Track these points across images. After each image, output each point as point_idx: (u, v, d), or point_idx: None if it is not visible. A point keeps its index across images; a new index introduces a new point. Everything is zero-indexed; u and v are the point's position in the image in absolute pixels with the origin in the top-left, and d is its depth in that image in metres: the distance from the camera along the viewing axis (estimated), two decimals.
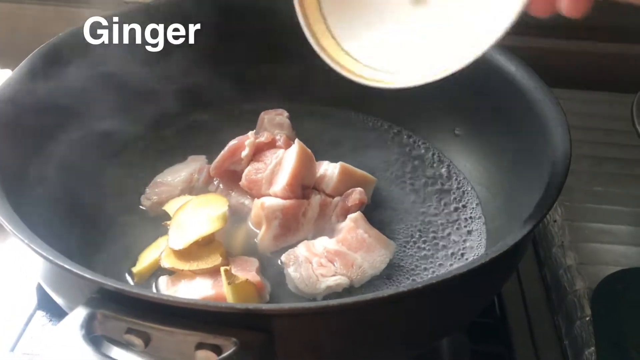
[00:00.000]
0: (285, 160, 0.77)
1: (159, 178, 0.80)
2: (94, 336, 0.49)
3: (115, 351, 0.51)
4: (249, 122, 0.86)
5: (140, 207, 0.78)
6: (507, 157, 0.78)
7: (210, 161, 0.82)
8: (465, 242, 0.76)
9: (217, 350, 0.48)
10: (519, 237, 0.54)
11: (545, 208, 0.57)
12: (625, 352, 0.69)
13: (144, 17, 0.83)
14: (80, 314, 0.49)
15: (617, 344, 0.70)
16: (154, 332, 0.49)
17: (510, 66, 0.76)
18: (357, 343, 0.54)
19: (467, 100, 0.83)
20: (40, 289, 0.75)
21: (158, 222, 0.75)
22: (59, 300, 0.58)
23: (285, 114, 0.87)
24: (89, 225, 0.74)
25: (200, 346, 0.49)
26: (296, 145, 0.76)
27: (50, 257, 0.51)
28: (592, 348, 0.70)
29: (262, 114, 0.87)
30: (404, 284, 0.69)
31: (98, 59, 0.79)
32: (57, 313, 0.74)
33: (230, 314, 0.48)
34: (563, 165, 0.62)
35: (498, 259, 0.52)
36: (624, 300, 0.74)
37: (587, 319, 0.72)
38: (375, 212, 0.78)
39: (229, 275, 0.64)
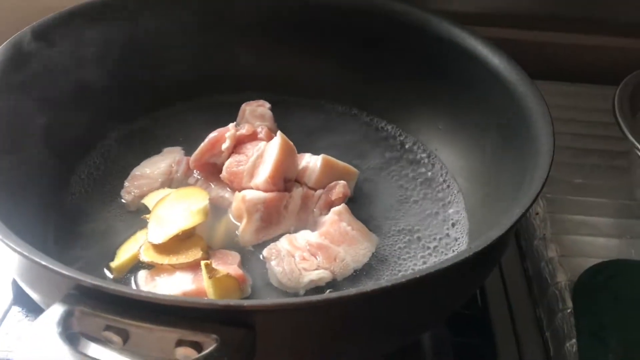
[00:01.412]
0: (267, 152, 0.76)
1: (137, 171, 0.79)
2: (72, 333, 0.48)
3: (93, 348, 0.50)
4: (223, 113, 0.85)
5: (118, 200, 0.76)
6: (490, 150, 0.78)
7: (186, 153, 0.81)
8: (449, 235, 0.75)
9: (198, 347, 0.47)
10: (502, 230, 0.54)
11: (528, 202, 0.57)
12: (605, 343, 0.70)
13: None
14: (57, 310, 0.48)
15: (598, 335, 0.70)
16: (133, 329, 0.48)
17: (493, 59, 0.76)
18: (340, 338, 0.54)
19: (450, 93, 0.82)
20: (15, 284, 0.74)
21: (136, 216, 0.74)
22: (35, 296, 0.57)
23: (267, 105, 0.86)
24: (65, 219, 0.73)
25: (180, 343, 0.48)
26: (278, 137, 0.75)
27: (26, 253, 0.49)
28: (574, 340, 0.70)
29: (244, 105, 0.86)
30: (387, 279, 0.68)
31: (72, 48, 0.78)
32: (33, 308, 0.73)
33: (210, 310, 0.47)
34: (546, 159, 0.61)
35: (482, 252, 0.52)
36: (605, 292, 0.74)
37: (569, 311, 0.73)
38: (357, 205, 0.77)
39: (210, 269, 0.63)
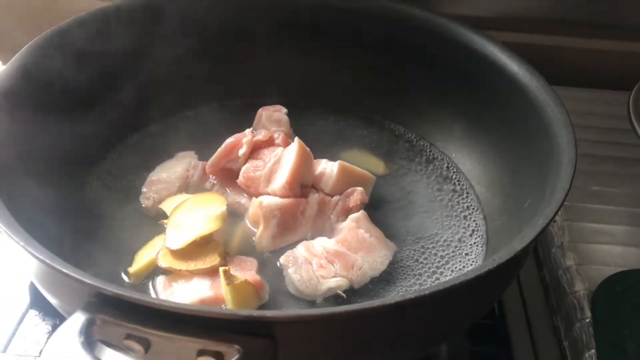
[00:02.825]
0: (285, 158, 0.76)
1: (153, 176, 0.79)
2: (92, 341, 0.48)
3: (114, 356, 0.49)
4: (238, 118, 0.85)
5: (135, 205, 0.76)
6: (507, 156, 0.77)
7: (199, 157, 0.81)
8: (466, 243, 0.75)
9: (220, 356, 0.47)
10: (526, 242, 0.53)
11: (551, 213, 0.56)
12: (625, 354, 0.69)
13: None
14: (78, 319, 0.47)
15: (618, 346, 0.69)
16: (154, 338, 0.48)
17: (512, 65, 0.76)
18: (361, 349, 0.54)
19: (468, 99, 0.82)
20: (32, 287, 0.74)
21: (153, 221, 0.74)
22: (54, 302, 0.57)
23: (284, 110, 0.85)
24: (82, 224, 0.73)
25: (201, 353, 0.47)
26: (296, 144, 0.75)
27: (48, 261, 0.49)
28: (592, 350, 0.69)
29: (260, 110, 0.85)
30: (409, 290, 0.68)
31: (89, 54, 0.78)
32: (50, 312, 0.73)
33: (233, 320, 0.47)
34: (569, 170, 0.61)
35: (505, 264, 0.51)
36: (624, 302, 0.73)
37: (587, 320, 0.72)
38: (373, 211, 0.76)
39: (228, 276, 0.63)
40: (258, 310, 0.55)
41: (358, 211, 0.74)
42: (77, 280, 0.48)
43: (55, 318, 0.73)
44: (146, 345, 0.48)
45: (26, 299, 0.74)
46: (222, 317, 0.47)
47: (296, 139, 0.76)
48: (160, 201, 0.75)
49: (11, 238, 0.51)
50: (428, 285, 0.70)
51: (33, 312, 0.73)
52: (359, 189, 0.76)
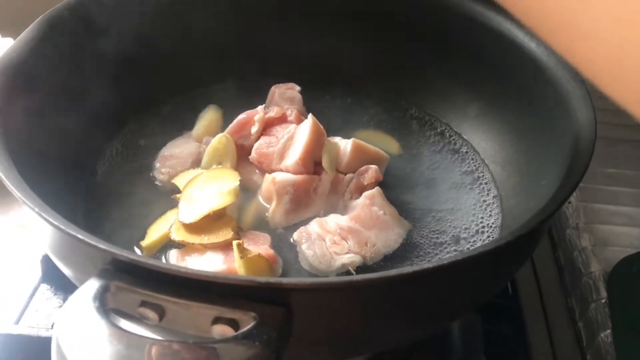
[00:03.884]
0: (298, 134, 0.75)
1: (165, 152, 0.79)
2: (107, 309, 0.48)
3: (128, 325, 0.49)
4: (246, 97, 0.84)
5: (147, 179, 0.76)
6: (524, 135, 0.77)
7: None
8: (481, 223, 0.74)
9: (235, 324, 0.47)
10: (542, 217, 0.53)
11: (568, 191, 0.55)
12: None
13: None
14: (93, 285, 0.47)
15: (634, 326, 0.69)
16: (169, 306, 0.47)
17: (530, 42, 0.75)
18: (375, 320, 0.53)
19: (484, 77, 0.81)
20: (44, 261, 0.74)
21: (166, 195, 0.73)
22: (68, 272, 0.57)
23: (297, 88, 0.85)
24: (94, 199, 0.73)
25: (217, 320, 0.47)
26: (310, 120, 0.74)
27: (63, 227, 0.49)
28: (608, 331, 0.69)
29: (273, 87, 0.85)
30: (420, 261, 0.67)
31: (101, 28, 0.77)
32: (61, 286, 0.73)
33: (249, 287, 0.46)
34: (587, 149, 0.60)
35: (524, 237, 0.51)
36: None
37: (603, 301, 0.71)
38: (387, 190, 0.75)
39: (242, 249, 0.62)
40: (275, 278, 0.55)
41: (372, 189, 0.73)
42: (92, 246, 0.48)
43: (67, 292, 0.73)
44: (161, 312, 0.48)
45: (38, 273, 0.74)
46: (239, 284, 0.46)
47: (310, 115, 0.75)
48: (175, 176, 0.75)
49: (27, 205, 0.51)
50: None
51: (45, 287, 0.73)
52: (373, 166, 0.75)
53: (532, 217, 0.52)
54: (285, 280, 0.46)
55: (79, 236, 0.48)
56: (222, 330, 0.47)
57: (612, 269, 0.74)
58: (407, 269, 0.47)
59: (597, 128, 0.63)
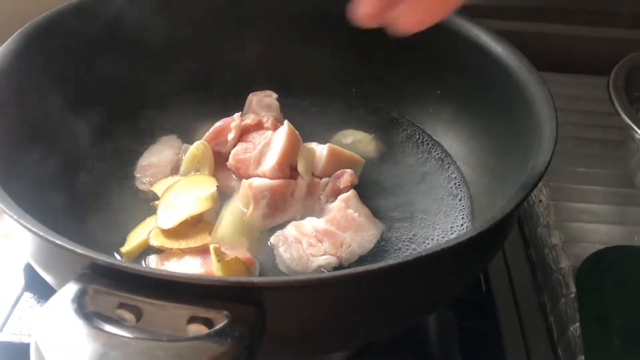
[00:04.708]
0: (274, 140, 0.77)
1: (143, 161, 0.80)
2: (85, 312, 0.49)
3: (106, 327, 0.51)
4: (227, 105, 0.86)
5: (126, 187, 0.77)
6: (493, 137, 0.79)
7: (182, 141, 0.82)
8: (454, 222, 0.76)
9: (209, 323, 0.48)
10: (506, 211, 0.55)
11: (532, 184, 0.58)
12: (609, 327, 0.71)
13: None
14: (71, 289, 0.49)
15: (601, 319, 0.71)
16: (146, 307, 0.49)
17: (497, 47, 0.77)
18: (347, 316, 0.55)
19: (454, 81, 0.83)
20: (27, 270, 0.75)
21: (145, 202, 0.75)
22: (48, 278, 0.58)
23: (274, 95, 0.87)
24: (74, 207, 0.74)
25: (192, 320, 0.48)
26: (286, 126, 0.76)
27: (41, 233, 0.50)
28: (577, 324, 0.71)
29: (251, 95, 0.87)
30: (394, 257, 0.69)
31: (79, 41, 0.79)
32: (45, 294, 0.74)
33: (222, 287, 0.48)
34: (549, 143, 0.62)
35: (486, 233, 0.53)
36: (608, 277, 0.75)
37: (572, 295, 0.74)
38: (362, 193, 0.77)
39: (219, 253, 0.64)
40: (246, 277, 0.57)
41: (347, 192, 0.75)
42: (70, 251, 0.50)
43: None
44: (138, 314, 0.49)
45: (21, 281, 0.75)
46: (212, 284, 0.48)
47: (285, 121, 0.77)
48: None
49: (6, 213, 0.53)
50: None
51: (28, 295, 0.75)
52: (349, 170, 0.77)
53: (491, 217, 0.54)
54: (256, 279, 0.48)
55: (58, 242, 0.50)
56: (197, 329, 0.49)
57: (581, 264, 0.76)
58: (374, 265, 0.49)
59: (557, 124, 0.65)
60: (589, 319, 0.71)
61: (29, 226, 0.51)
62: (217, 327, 0.47)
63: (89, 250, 0.50)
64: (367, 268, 0.49)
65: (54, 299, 0.48)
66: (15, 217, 0.52)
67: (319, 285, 0.49)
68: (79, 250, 0.49)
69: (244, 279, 0.48)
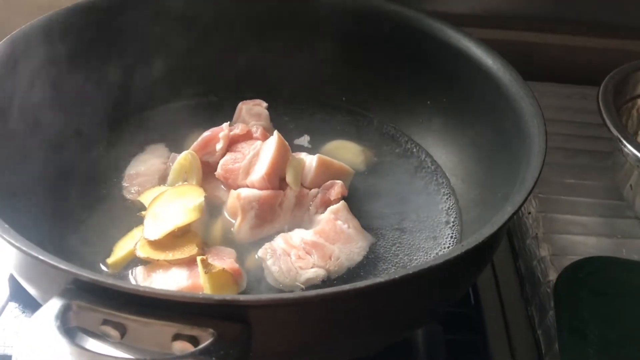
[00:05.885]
0: (264, 151, 0.77)
1: (131, 170, 0.80)
2: (69, 328, 0.49)
3: (90, 343, 0.50)
4: (212, 112, 0.87)
5: (113, 197, 0.77)
6: (482, 149, 0.79)
7: (171, 150, 0.82)
8: (442, 234, 0.76)
9: (194, 341, 0.48)
10: (494, 228, 0.55)
11: (520, 200, 0.58)
12: (585, 338, 0.70)
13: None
14: (55, 305, 0.48)
15: (578, 330, 0.71)
16: (130, 323, 0.49)
17: (487, 59, 0.77)
18: (334, 333, 0.55)
19: (444, 93, 0.83)
20: (12, 280, 0.74)
21: (132, 213, 0.74)
22: (32, 291, 0.58)
23: (264, 104, 0.86)
24: (60, 217, 0.73)
25: (177, 337, 0.48)
26: (275, 136, 0.76)
27: (24, 248, 0.50)
28: None
29: (240, 103, 0.86)
30: (381, 275, 0.69)
31: (67, 48, 0.78)
32: (30, 304, 0.73)
33: (207, 305, 0.47)
34: (539, 158, 0.62)
35: (474, 250, 0.53)
36: (585, 288, 0.75)
37: None
38: (351, 204, 0.77)
39: (206, 264, 0.63)
40: (232, 295, 0.56)
41: (337, 204, 0.75)
42: (53, 267, 0.49)
43: (35, 310, 0.71)
44: (122, 330, 0.49)
45: (6, 291, 0.74)
46: (196, 302, 0.48)
47: (275, 132, 0.77)
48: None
49: None
50: None
51: (13, 305, 0.74)
52: (339, 182, 0.77)
53: (482, 231, 0.54)
54: (242, 297, 0.48)
55: (41, 257, 0.49)
56: (182, 347, 0.48)
57: (559, 274, 0.76)
58: (361, 283, 0.49)
59: (547, 140, 0.65)
60: (566, 330, 0.71)
61: (12, 241, 0.51)
62: (202, 345, 0.47)
63: (73, 266, 0.49)
64: (355, 286, 0.49)
65: (37, 315, 0.48)
66: None
67: (306, 303, 0.49)
68: (62, 266, 0.49)
69: (229, 296, 0.47)
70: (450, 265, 0.51)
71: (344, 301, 0.50)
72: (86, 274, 0.48)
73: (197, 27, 0.88)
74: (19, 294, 0.74)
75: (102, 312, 0.49)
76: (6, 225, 0.52)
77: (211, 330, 0.47)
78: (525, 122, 0.69)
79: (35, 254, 0.49)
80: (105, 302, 0.48)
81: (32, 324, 0.47)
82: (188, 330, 0.48)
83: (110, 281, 0.48)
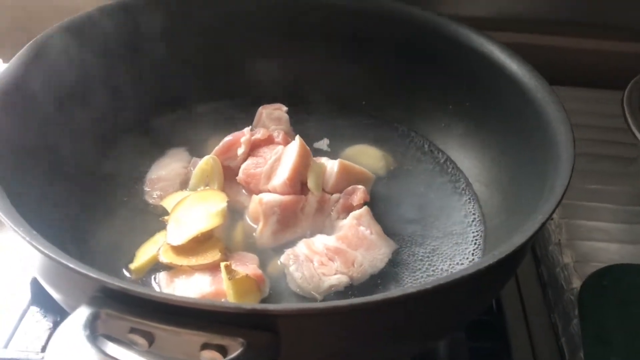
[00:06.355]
0: (285, 155, 0.76)
1: (152, 175, 0.79)
2: (96, 335, 0.48)
3: (118, 350, 0.50)
4: (233, 116, 0.87)
5: (135, 202, 0.76)
6: (506, 154, 0.78)
7: (191, 153, 0.82)
8: (464, 239, 0.75)
9: (223, 350, 0.48)
10: (525, 237, 0.54)
11: (550, 208, 0.57)
12: (610, 346, 0.70)
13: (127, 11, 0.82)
14: (83, 313, 0.48)
15: (602, 338, 0.70)
16: (158, 332, 0.48)
17: (512, 64, 0.76)
18: (363, 342, 0.54)
19: (468, 98, 0.82)
20: (34, 284, 0.74)
21: (154, 217, 0.74)
22: (58, 297, 0.57)
23: (284, 108, 0.86)
24: (81, 222, 0.73)
25: (205, 346, 0.48)
26: (297, 141, 0.76)
27: (53, 255, 0.50)
28: None
29: (261, 108, 0.86)
30: (411, 285, 0.69)
31: (90, 52, 0.78)
32: (51, 309, 0.73)
33: (237, 314, 0.47)
34: (567, 166, 0.62)
35: (505, 259, 0.52)
36: (610, 295, 0.74)
37: None
38: (372, 209, 0.77)
39: (229, 271, 0.63)
40: (262, 304, 0.56)
41: (360, 209, 0.74)
42: (82, 274, 0.49)
43: (57, 314, 0.73)
44: (150, 339, 0.49)
45: (27, 295, 0.74)
46: (227, 311, 0.47)
47: (297, 137, 0.77)
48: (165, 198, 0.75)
49: (18, 234, 0.52)
50: (427, 282, 0.70)
51: (34, 309, 0.74)
52: (361, 187, 0.76)
53: (512, 240, 0.53)
54: (272, 306, 0.47)
55: (70, 265, 0.49)
56: (210, 356, 0.48)
57: (583, 282, 0.75)
58: (392, 292, 0.48)
59: (575, 148, 0.64)
60: (591, 338, 0.70)
61: (41, 248, 0.50)
62: (232, 355, 0.46)
63: (101, 274, 0.49)
64: (387, 295, 0.48)
65: (65, 323, 0.47)
66: (27, 238, 0.51)
67: (335, 313, 0.48)
68: (91, 274, 0.48)
69: (259, 306, 0.47)
70: (482, 274, 0.50)
71: (375, 311, 0.50)
72: (116, 282, 0.48)
73: (217, 30, 0.88)
74: (40, 298, 0.74)
75: (130, 321, 0.48)
76: (34, 232, 0.52)
77: (241, 340, 0.47)
78: (552, 129, 0.68)
79: (65, 262, 0.49)
80: (133, 311, 0.48)
81: (62, 334, 0.46)
82: (217, 340, 0.47)
83: (140, 289, 0.48)
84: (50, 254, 0.50)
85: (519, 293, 0.80)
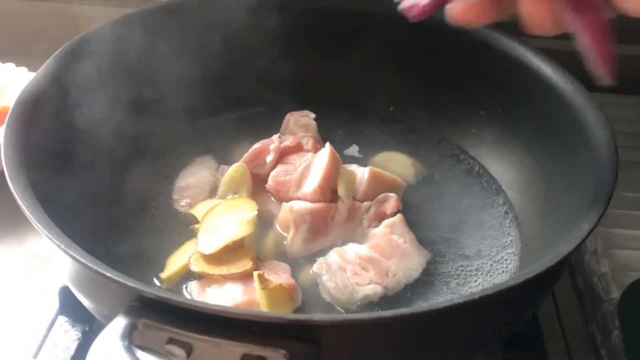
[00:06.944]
0: (316, 162, 0.75)
1: (180, 183, 0.78)
2: (133, 346, 0.47)
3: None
4: (262, 123, 0.86)
5: (164, 210, 0.75)
6: (541, 161, 0.76)
7: (217, 161, 0.81)
8: (499, 248, 0.74)
9: None
10: (572, 246, 0.52)
11: (596, 217, 0.55)
12: None
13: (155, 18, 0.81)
14: (120, 324, 0.47)
15: None
16: (197, 343, 0.47)
17: (546, 69, 0.75)
18: (401, 354, 0.53)
19: (500, 103, 0.81)
20: (62, 293, 0.73)
21: (183, 226, 0.73)
22: (91, 306, 0.56)
23: (312, 115, 0.85)
24: (110, 230, 0.72)
25: (245, 358, 0.46)
26: (327, 148, 0.75)
27: (89, 264, 0.49)
28: None
29: (288, 115, 0.85)
30: (441, 293, 0.67)
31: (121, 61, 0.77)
32: (79, 318, 0.72)
33: (279, 324, 0.46)
34: (611, 175, 0.60)
35: (553, 267, 0.50)
36: None
37: None
38: (404, 218, 0.75)
39: (263, 280, 0.62)
40: (305, 314, 0.54)
41: (392, 217, 0.73)
42: (118, 283, 0.48)
43: (85, 324, 0.72)
44: (189, 349, 0.47)
45: (55, 305, 0.73)
46: (269, 321, 0.46)
47: (327, 144, 0.76)
48: (195, 206, 0.74)
49: (52, 242, 0.51)
50: (462, 292, 0.69)
51: (62, 319, 0.72)
52: (394, 195, 0.75)
53: (556, 251, 0.52)
54: (316, 317, 0.46)
55: (107, 274, 0.48)
56: None
57: (622, 293, 0.73)
58: (438, 303, 0.47)
59: (618, 154, 0.63)
60: (633, 348, 0.68)
61: (76, 256, 0.49)
62: None
63: (138, 282, 0.48)
64: (432, 306, 0.47)
65: (103, 334, 0.46)
66: (62, 246, 0.50)
67: (379, 324, 0.47)
68: (129, 282, 0.47)
69: (303, 317, 0.46)
70: (530, 283, 0.49)
71: (418, 322, 0.48)
72: (153, 291, 0.47)
73: (244, 38, 0.87)
74: (68, 308, 0.72)
75: (168, 331, 0.47)
76: (70, 241, 0.51)
77: (283, 352, 0.45)
78: (592, 136, 0.66)
79: (101, 270, 0.48)
80: (172, 321, 0.47)
81: (99, 345, 0.45)
82: (258, 351, 0.46)
83: (179, 299, 0.47)
84: (88, 263, 0.49)
85: (554, 303, 0.78)
